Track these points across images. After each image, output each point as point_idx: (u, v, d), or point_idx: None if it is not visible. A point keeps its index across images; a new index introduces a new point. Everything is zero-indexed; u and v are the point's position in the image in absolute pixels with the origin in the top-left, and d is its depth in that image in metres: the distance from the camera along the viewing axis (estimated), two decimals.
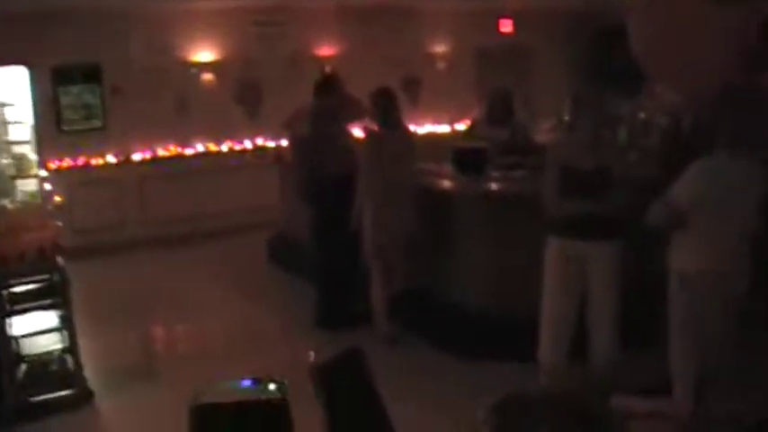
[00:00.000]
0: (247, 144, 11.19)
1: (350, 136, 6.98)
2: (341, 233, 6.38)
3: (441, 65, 12.94)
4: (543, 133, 7.96)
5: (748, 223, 4.16)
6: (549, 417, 2.28)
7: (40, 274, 5.40)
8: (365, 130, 6.55)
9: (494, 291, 6.05)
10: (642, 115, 6.97)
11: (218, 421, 2.55)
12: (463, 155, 6.68)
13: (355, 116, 6.83)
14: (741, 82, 4.40)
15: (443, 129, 12.69)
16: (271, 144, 11.06)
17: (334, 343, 3.19)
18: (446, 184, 6.48)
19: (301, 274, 7.66)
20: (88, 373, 5.65)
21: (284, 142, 9.05)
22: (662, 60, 4.85)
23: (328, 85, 6.72)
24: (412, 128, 9.59)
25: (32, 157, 10.41)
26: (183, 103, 10.61)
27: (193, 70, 10.71)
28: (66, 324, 5.49)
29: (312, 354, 2.88)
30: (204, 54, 10.78)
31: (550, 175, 4.94)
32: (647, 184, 4.91)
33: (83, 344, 5.72)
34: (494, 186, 6.25)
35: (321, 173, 6.52)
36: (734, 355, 4.25)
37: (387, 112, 6.19)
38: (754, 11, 4.95)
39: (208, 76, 10.84)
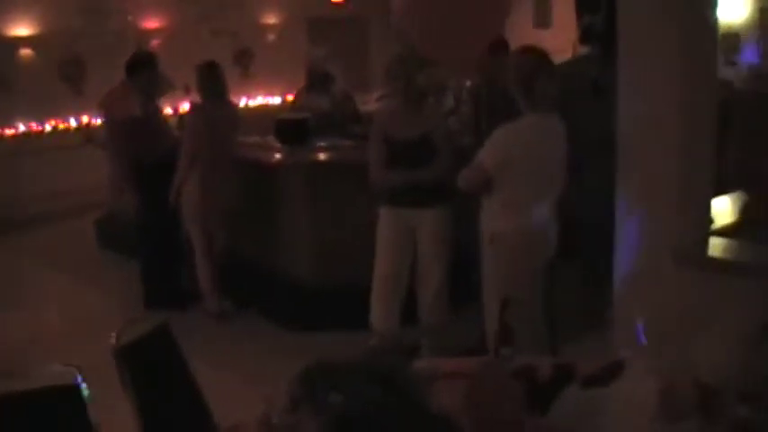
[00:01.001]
0: (73, 122, 10.71)
1: (163, 115, 6.96)
2: (162, 213, 6.31)
3: (272, 36, 12.84)
4: (373, 103, 8.03)
5: (552, 183, 4.29)
6: (344, 382, 2.29)
7: None
8: (191, 103, 6.50)
9: (322, 260, 6.09)
10: (468, 83, 7.14)
11: (7, 412, 2.46)
12: (285, 126, 6.66)
13: (163, 92, 6.76)
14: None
15: (276, 101, 12.56)
16: (98, 122, 10.54)
17: (141, 322, 3.09)
18: (270, 155, 6.43)
19: (132, 254, 7.46)
20: None
21: None
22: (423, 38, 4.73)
23: (138, 64, 6.55)
24: (244, 100, 9.57)
25: None
26: (2, 81, 10.01)
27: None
28: None
29: (114, 336, 2.81)
30: (22, 29, 10.20)
31: (376, 146, 5.01)
32: (466, 150, 5.03)
33: None
34: (317, 156, 6.27)
35: (136, 154, 6.40)
36: (541, 314, 4.42)
37: (212, 85, 6.16)
38: None
39: (26, 52, 10.27)
